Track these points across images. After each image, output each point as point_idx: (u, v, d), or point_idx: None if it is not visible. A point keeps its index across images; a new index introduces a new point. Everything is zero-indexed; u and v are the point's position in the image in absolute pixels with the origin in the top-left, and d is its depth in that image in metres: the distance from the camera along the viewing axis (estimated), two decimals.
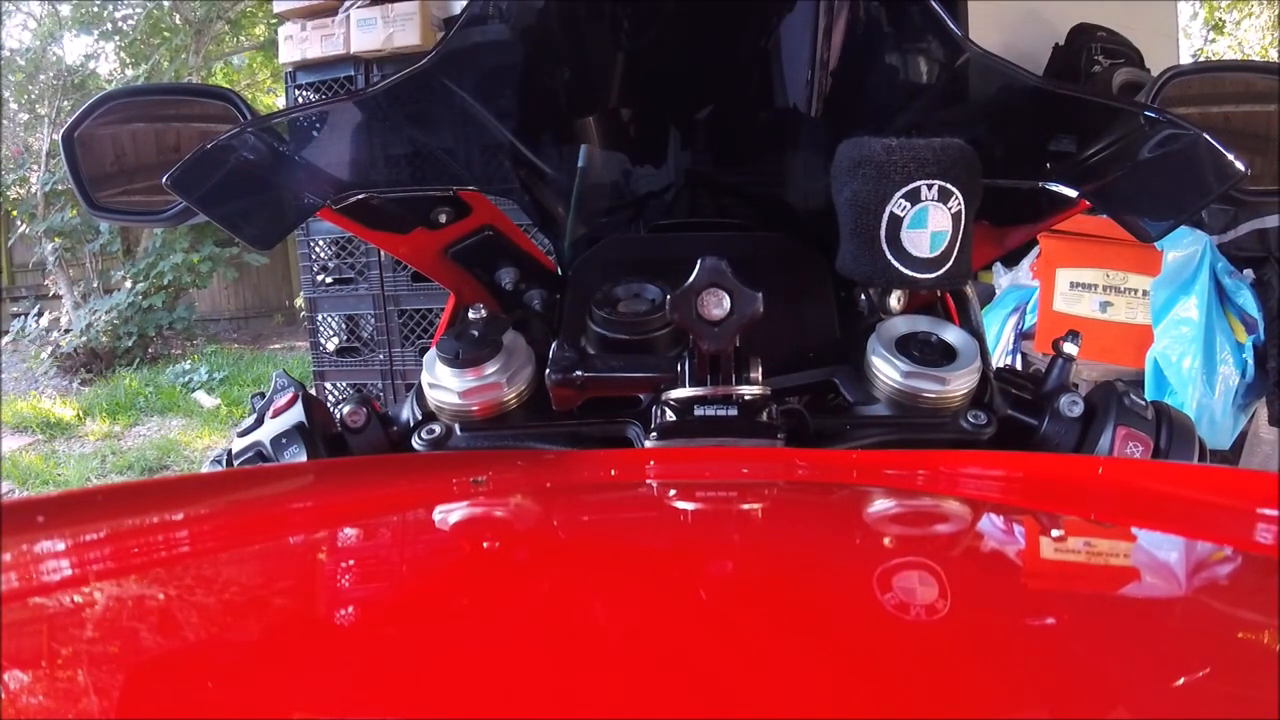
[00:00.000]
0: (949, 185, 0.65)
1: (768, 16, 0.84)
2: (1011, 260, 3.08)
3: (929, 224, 0.66)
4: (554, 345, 0.67)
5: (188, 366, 6.27)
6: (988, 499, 0.55)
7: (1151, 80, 0.72)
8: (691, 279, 0.61)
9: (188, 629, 0.36)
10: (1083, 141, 0.72)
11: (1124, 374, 2.67)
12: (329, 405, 0.76)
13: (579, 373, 0.65)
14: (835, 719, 0.27)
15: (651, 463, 0.61)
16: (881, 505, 0.55)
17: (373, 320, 3.32)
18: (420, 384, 0.70)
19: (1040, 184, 0.74)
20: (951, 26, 0.74)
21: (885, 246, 0.67)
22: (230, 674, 0.31)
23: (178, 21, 7.47)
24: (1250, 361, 2.54)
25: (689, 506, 0.54)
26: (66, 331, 6.42)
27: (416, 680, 0.29)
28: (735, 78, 0.88)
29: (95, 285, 6.87)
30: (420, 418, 0.72)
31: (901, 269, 0.67)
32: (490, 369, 0.67)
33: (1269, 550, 0.41)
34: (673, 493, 0.57)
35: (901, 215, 0.66)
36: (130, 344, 6.44)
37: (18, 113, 7.40)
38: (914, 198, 0.65)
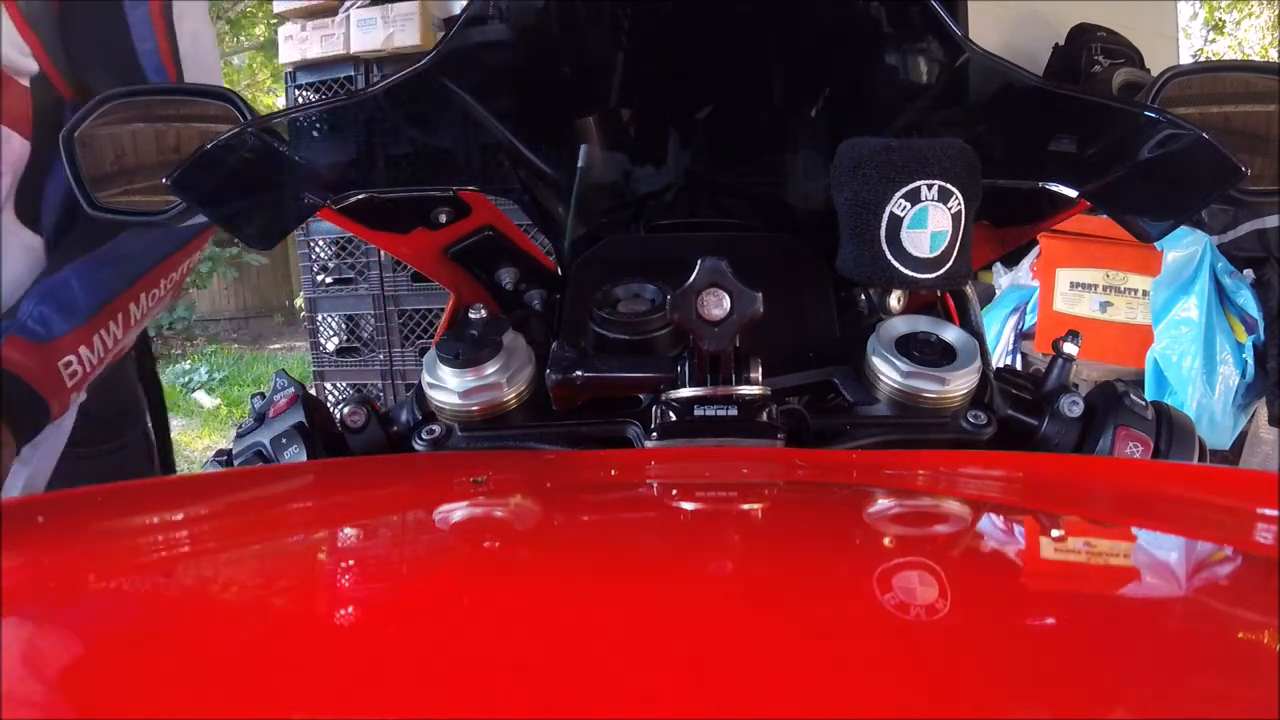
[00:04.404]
0: (949, 185, 0.65)
1: (768, 16, 0.84)
2: (1011, 260, 3.08)
3: (929, 224, 0.66)
4: (554, 345, 0.67)
5: (188, 366, 6.27)
6: (988, 499, 0.55)
7: (1151, 80, 0.72)
8: (691, 279, 0.61)
9: (188, 629, 0.36)
10: (1083, 141, 0.72)
11: (1124, 374, 2.67)
12: (329, 405, 0.76)
13: (579, 373, 0.65)
14: (836, 719, 0.27)
15: (652, 463, 0.61)
16: (881, 505, 0.55)
17: (373, 320, 3.32)
18: (420, 384, 0.70)
19: (1040, 184, 0.74)
20: (952, 27, 0.74)
21: (885, 246, 0.67)
22: (230, 674, 0.31)
23: None
24: (1250, 361, 2.55)
25: (689, 507, 0.54)
26: None
27: (417, 681, 0.29)
28: (735, 78, 0.88)
29: None
30: (420, 418, 0.72)
31: (901, 269, 0.67)
32: (490, 369, 0.67)
33: (1269, 550, 0.41)
34: (673, 493, 0.57)
35: (901, 215, 0.66)
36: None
37: None
38: (914, 198, 0.65)
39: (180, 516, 0.44)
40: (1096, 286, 2.82)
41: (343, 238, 3.27)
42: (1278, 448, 2.68)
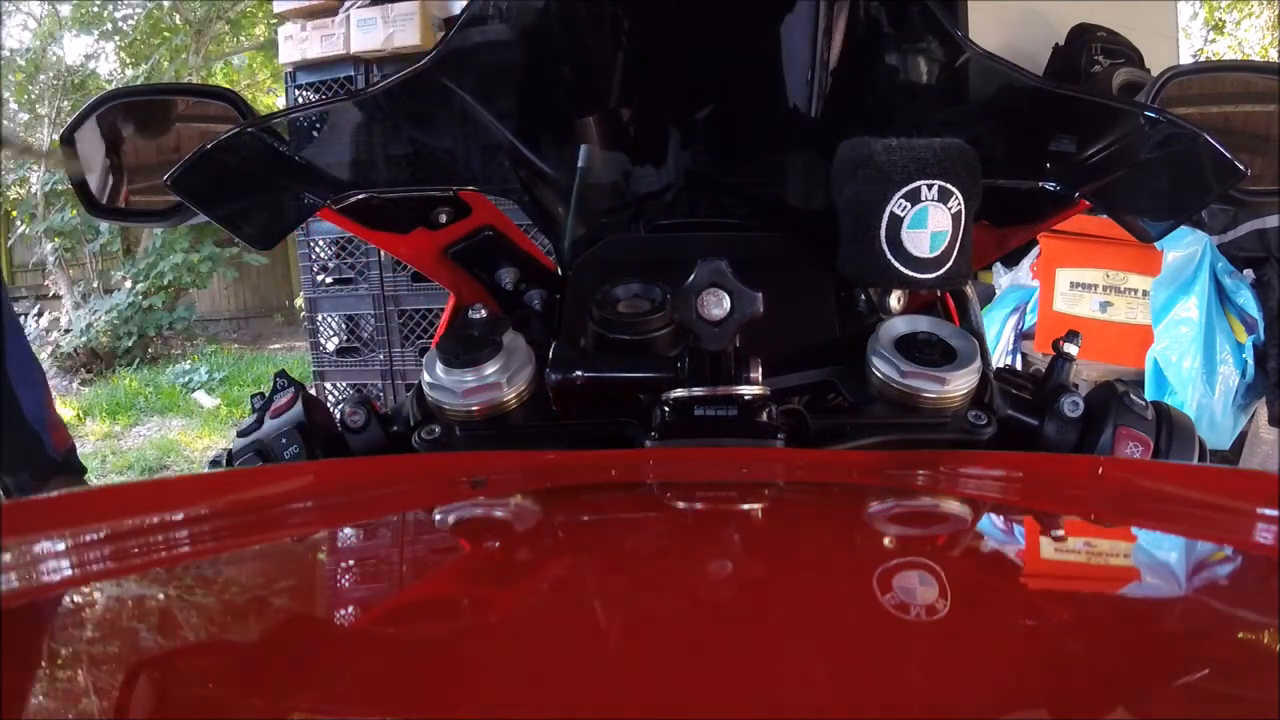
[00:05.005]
0: (949, 185, 0.65)
1: (768, 16, 0.84)
2: (1011, 260, 3.08)
3: (929, 224, 0.66)
4: (554, 345, 0.67)
5: (188, 366, 6.27)
6: (988, 499, 0.55)
7: (1151, 80, 0.72)
8: (691, 279, 0.61)
9: (188, 629, 0.36)
10: (1083, 141, 0.72)
11: (1124, 374, 2.67)
12: (329, 405, 0.76)
13: (579, 373, 0.65)
14: (837, 719, 0.27)
15: (651, 463, 0.61)
16: (881, 505, 0.55)
17: (373, 320, 3.32)
18: (420, 384, 0.70)
19: (1040, 184, 0.74)
20: (951, 27, 0.74)
21: (885, 246, 0.67)
22: (230, 674, 0.31)
23: (178, 21, 7.48)
24: (1250, 361, 2.54)
25: (690, 507, 0.54)
26: (66, 331, 6.42)
27: (417, 681, 0.29)
28: (735, 78, 0.88)
29: (95, 285, 6.88)
30: (420, 418, 0.72)
31: (901, 269, 0.67)
32: (490, 369, 0.66)
33: (1269, 550, 0.41)
34: (673, 494, 0.57)
35: (901, 215, 0.66)
36: (130, 344, 6.45)
37: (18, 113, 7.41)
38: (914, 198, 0.65)
39: (180, 516, 0.44)
40: (1096, 286, 2.82)
41: (343, 238, 3.27)
42: (1278, 448, 2.68)
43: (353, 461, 0.69)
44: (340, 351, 3.42)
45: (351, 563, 0.47)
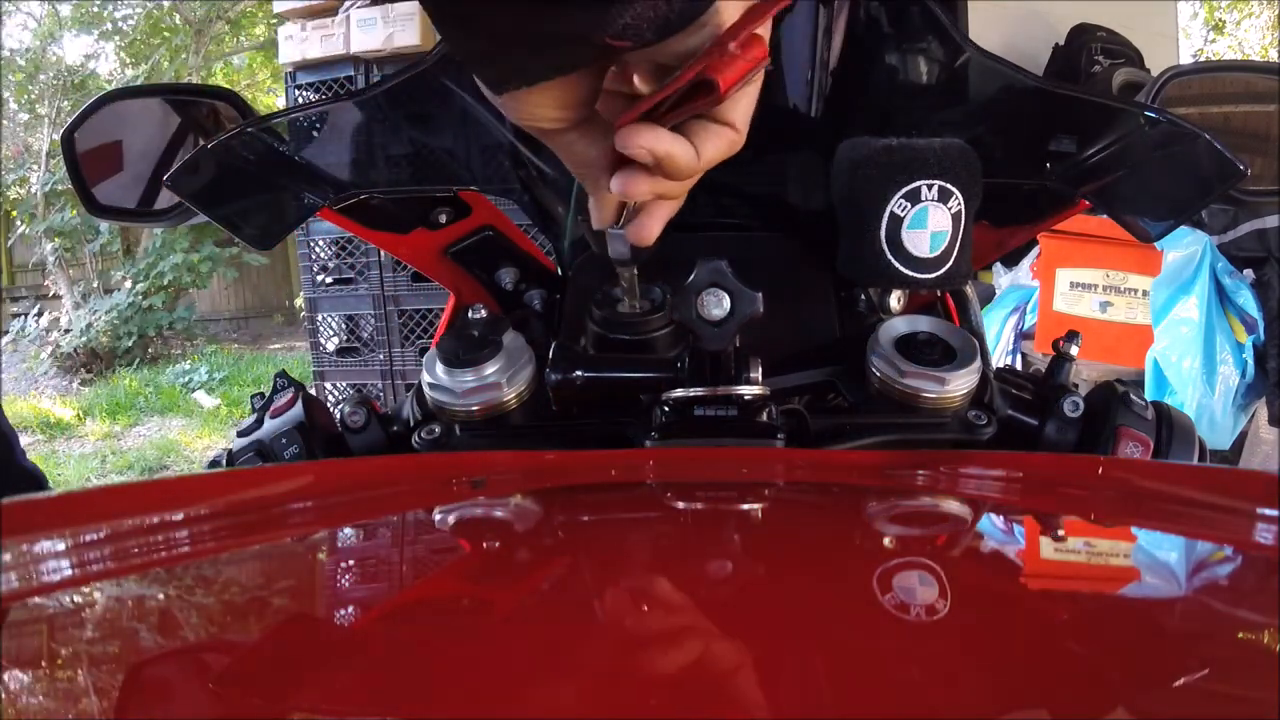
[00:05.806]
0: (949, 185, 0.65)
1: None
2: (1011, 260, 3.08)
3: (929, 224, 0.66)
4: (554, 345, 0.67)
5: (188, 366, 6.27)
6: (988, 499, 0.55)
7: (1151, 80, 0.72)
8: (691, 279, 0.61)
9: (188, 629, 0.36)
10: (1083, 141, 0.72)
11: (1124, 374, 2.67)
12: (329, 405, 0.76)
13: (579, 373, 0.65)
14: (838, 719, 0.27)
15: (651, 463, 0.61)
16: (881, 505, 0.55)
17: (373, 320, 3.32)
18: (420, 384, 0.70)
19: (1040, 184, 0.74)
20: (951, 27, 0.74)
21: (885, 246, 0.67)
22: (230, 674, 0.31)
23: (178, 21, 7.48)
24: (1250, 361, 2.55)
25: (690, 507, 0.54)
26: (66, 331, 6.42)
27: (416, 681, 0.29)
28: None
29: (95, 285, 6.87)
30: (420, 418, 0.72)
31: (901, 269, 0.67)
32: (490, 369, 0.67)
33: (1269, 550, 0.41)
34: (673, 494, 0.57)
35: (901, 215, 0.66)
36: (130, 344, 6.44)
37: (18, 113, 7.41)
38: (914, 198, 0.65)
39: (180, 516, 0.44)
40: (1096, 286, 2.82)
41: (343, 238, 3.27)
42: (1278, 448, 2.68)
43: (353, 461, 0.69)
44: (340, 351, 3.42)
45: (351, 563, 0.47)
